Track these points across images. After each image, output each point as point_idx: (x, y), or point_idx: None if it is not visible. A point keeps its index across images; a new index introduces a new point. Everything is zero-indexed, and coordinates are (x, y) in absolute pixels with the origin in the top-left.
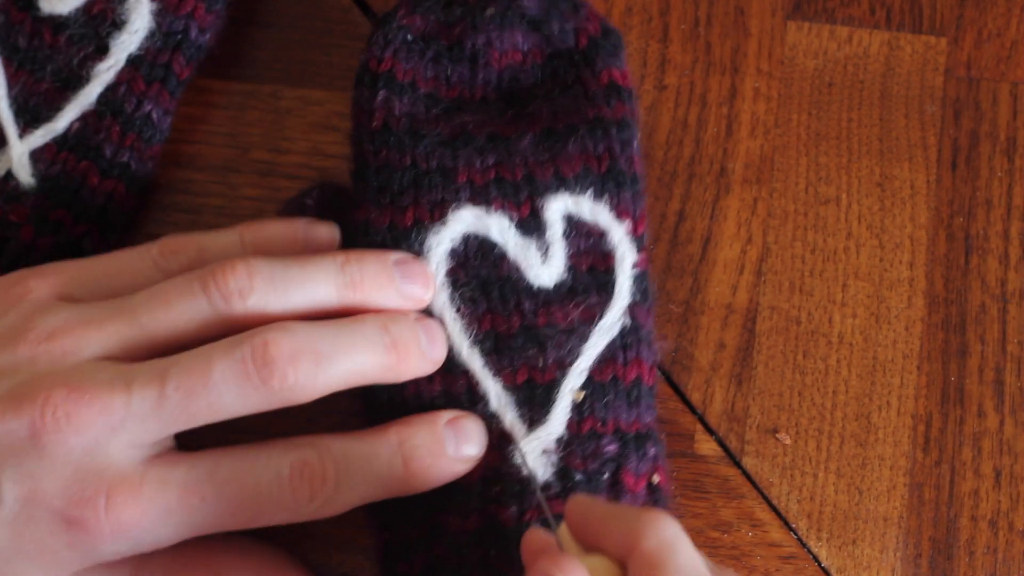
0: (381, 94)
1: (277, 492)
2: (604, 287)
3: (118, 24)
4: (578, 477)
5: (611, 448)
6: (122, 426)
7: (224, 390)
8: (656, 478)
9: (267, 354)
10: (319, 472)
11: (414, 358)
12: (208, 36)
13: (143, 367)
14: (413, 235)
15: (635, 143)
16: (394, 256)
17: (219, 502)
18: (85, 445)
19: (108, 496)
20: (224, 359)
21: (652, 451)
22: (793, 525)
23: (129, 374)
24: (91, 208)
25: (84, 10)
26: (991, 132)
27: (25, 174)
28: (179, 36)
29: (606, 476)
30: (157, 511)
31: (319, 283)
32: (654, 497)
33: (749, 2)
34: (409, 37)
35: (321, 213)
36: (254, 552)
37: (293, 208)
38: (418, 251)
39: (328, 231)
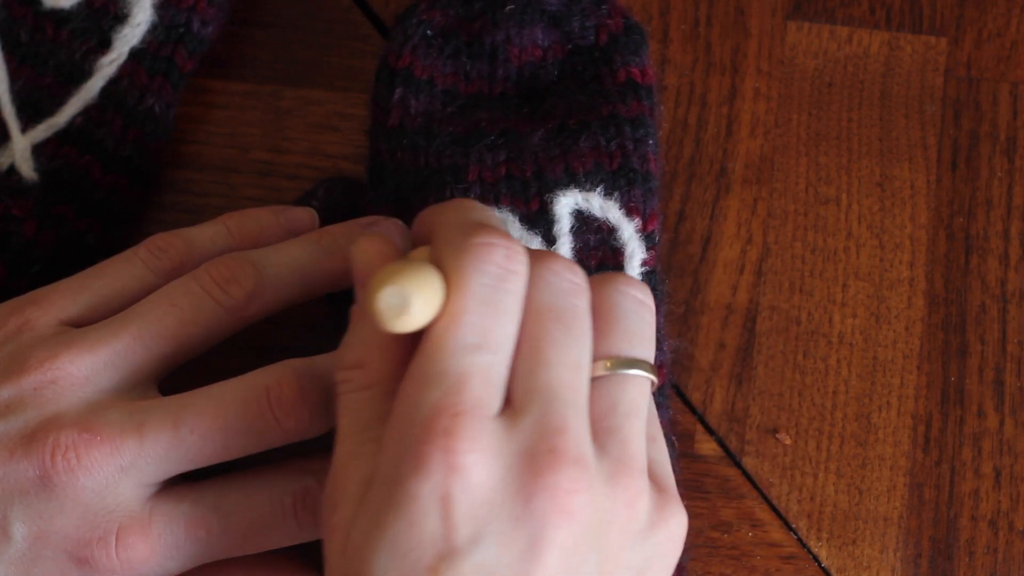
0: (398, 92)
1: (281, 522)
2: None
3: (120, 18)
4: None
5: None
6: (132, 466)
7: (239, 432)
8: None
9: (282, 395)
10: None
11: None
12: (211, 29)
13: (155, 407)
14: None
15: (651, 141)
16: (363, 221)
17: (225, 534)
18: (95, 486)
19: (118, 536)
20: (238, 399)
21: None
22: (793, 525)
23: (141, 414)
24: (94, 202)
25: (86, 4)
26: (991, 132)
27: (28, 169)
28: (181, 29)
29: None
30: (166, 547)
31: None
32: None
33: (749, 2)
34: (429, 32)
35: (328, 212)
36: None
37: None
38: None
39: (307, 213)
